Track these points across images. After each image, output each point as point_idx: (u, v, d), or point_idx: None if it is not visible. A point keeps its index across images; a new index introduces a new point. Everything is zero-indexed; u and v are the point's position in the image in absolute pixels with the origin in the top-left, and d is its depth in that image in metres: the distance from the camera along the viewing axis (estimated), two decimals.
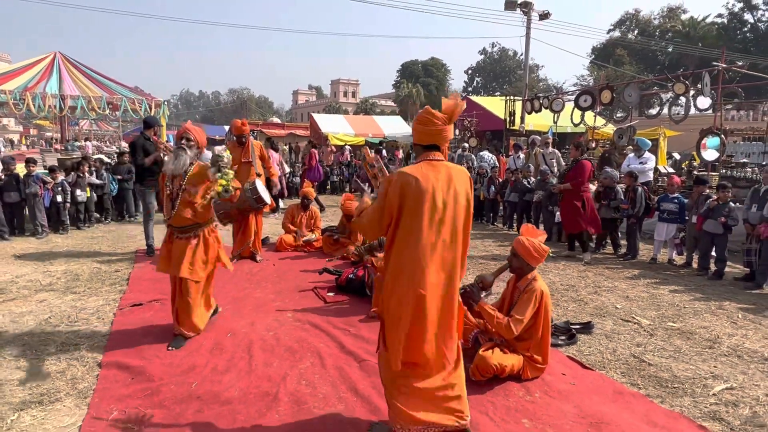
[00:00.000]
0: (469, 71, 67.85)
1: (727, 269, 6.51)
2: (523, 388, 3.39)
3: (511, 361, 3.43)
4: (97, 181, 9.22)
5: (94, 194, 9.13)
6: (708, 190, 6.94)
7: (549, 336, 3.58)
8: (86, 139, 26.41)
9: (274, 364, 3.68)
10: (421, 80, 59.37)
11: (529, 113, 14.54)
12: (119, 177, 9.72)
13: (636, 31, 47.49)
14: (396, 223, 2.54)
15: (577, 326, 4.49)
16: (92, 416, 2.97)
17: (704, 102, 10.27)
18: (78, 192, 8.62)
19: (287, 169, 13.82)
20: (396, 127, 25.65)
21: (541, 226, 8.88)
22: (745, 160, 12.02)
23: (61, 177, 8.48)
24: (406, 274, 2.51)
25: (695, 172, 9.65)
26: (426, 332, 2.53)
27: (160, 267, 4.11)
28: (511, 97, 16.08)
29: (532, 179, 9.36)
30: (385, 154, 16.49)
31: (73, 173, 8.79)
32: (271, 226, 8.72)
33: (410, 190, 2.47)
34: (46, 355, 3.78)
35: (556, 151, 10.86)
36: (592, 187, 7.81)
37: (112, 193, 9.64)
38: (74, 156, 11.40)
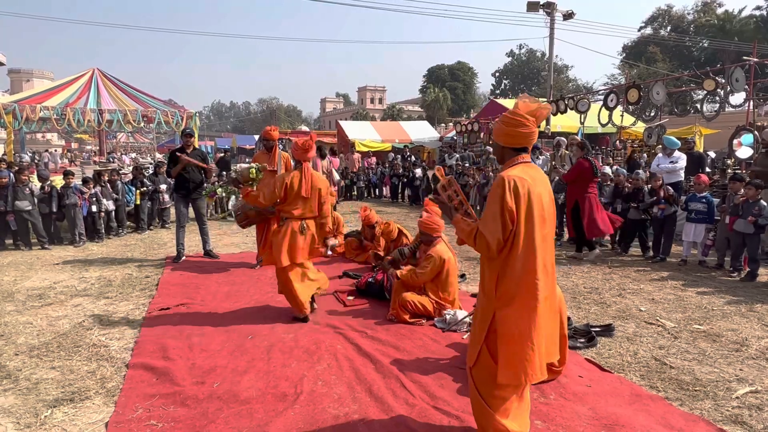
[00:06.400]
0: (497, 74, 67.31)
1: (762, 270, 6.28)
2: (537, 390, 3.38)
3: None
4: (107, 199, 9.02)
5: (107, 204, 9.00)
6: (743, 189, 6.71)
7: (565, 339, 3.55)
8: (122, 153, 27.51)
9: (292, 366, 3.78)
10: (447, 84, 59.27)
11: (555, 114, 14.35)
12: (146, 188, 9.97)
13: (669, 28, 46.17)
14: (515, 229, 2.46)
15: (598, 328, 4.43)
16: (119, 413, 3.13)
17: (738, 98, 9.96)
18: (104, 202, 8.90)
19: (336, 177, 13.26)
20: (423, 132, 25.69)
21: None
22: None
23: (95, 188, 8.85)
24: (526, 281, 2.46)
25: (729, 171, 9.32)
26: (540, 341, 2.48)
27: None
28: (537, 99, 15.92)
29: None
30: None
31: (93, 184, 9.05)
32: None
33: (524, 193, 2.43)
34: (79, 356, 3.99)
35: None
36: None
37: (128, 204, 9.57)
38: (109, 167, 11.84)
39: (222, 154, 20.55)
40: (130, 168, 12.60)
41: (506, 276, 2.50)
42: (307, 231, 4.77)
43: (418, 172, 14.26)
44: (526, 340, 2.45)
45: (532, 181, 2.48)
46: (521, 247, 2.46)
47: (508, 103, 21.42)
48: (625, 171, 9.04)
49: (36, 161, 21.25)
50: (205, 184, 6.97)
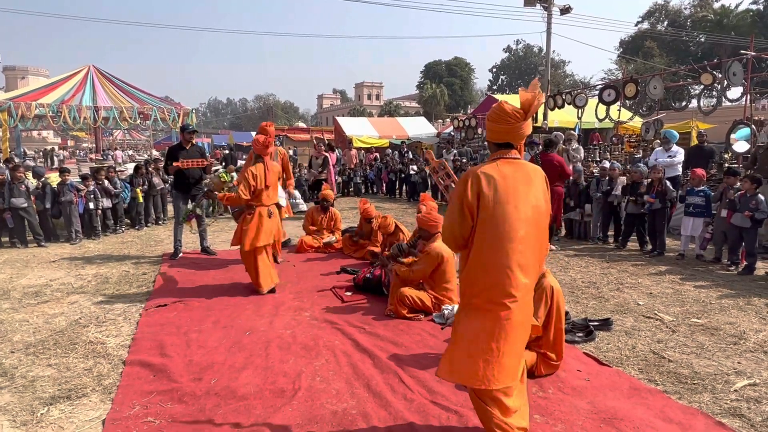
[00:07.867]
0: (494, 69, 67.19)
1: (759, 264, 6.29)
2: (536, 385, 3.37)
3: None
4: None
5: (103, 202, 8.95)
6: (739, 183, 6.71)
7: (562, 333, 3.55)
8: (115, 149, 27.42)
9: (290, 362, 3.77)
10: (444, 80, 59.09)
11: (552, 109, 14.34)
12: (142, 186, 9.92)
13: (666, 23, 46.12)
14: (475, 225, 2.37)
15: (596, 323, 4.43)
16: (116, 410, 3.11)
17: (735, 92, 9.97)
18: (101, 199, 8.86)
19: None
20: (420, 128, 25.63)
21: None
22: None
23: (92, 185, 8.80)
24: (489, 280, 2.35)
25: (726, 165, 9.33)
26: (511, 343, 2.39)
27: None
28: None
29: None
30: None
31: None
32: (295, 228, 8.86)
33: (488, 189, 2.32)
34: (75, 353, 3.97)
35: (581, 147, 10.71)
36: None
37: (124, 201, 9.48)
38: (105, 164, 11.80)
39: (228, 151, 20.80)
40: (127, 165, 12.58)
41: (466, 274, 2.44)
42: (274, 215, 5.38)
43: (413, 169, 14.20)
44: (478, 344, 2.36)
45: (501, 177, 2.35)
46: (482, 245, 2.37)
47: (505, 98, 21.35)
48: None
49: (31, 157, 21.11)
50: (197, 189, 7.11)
